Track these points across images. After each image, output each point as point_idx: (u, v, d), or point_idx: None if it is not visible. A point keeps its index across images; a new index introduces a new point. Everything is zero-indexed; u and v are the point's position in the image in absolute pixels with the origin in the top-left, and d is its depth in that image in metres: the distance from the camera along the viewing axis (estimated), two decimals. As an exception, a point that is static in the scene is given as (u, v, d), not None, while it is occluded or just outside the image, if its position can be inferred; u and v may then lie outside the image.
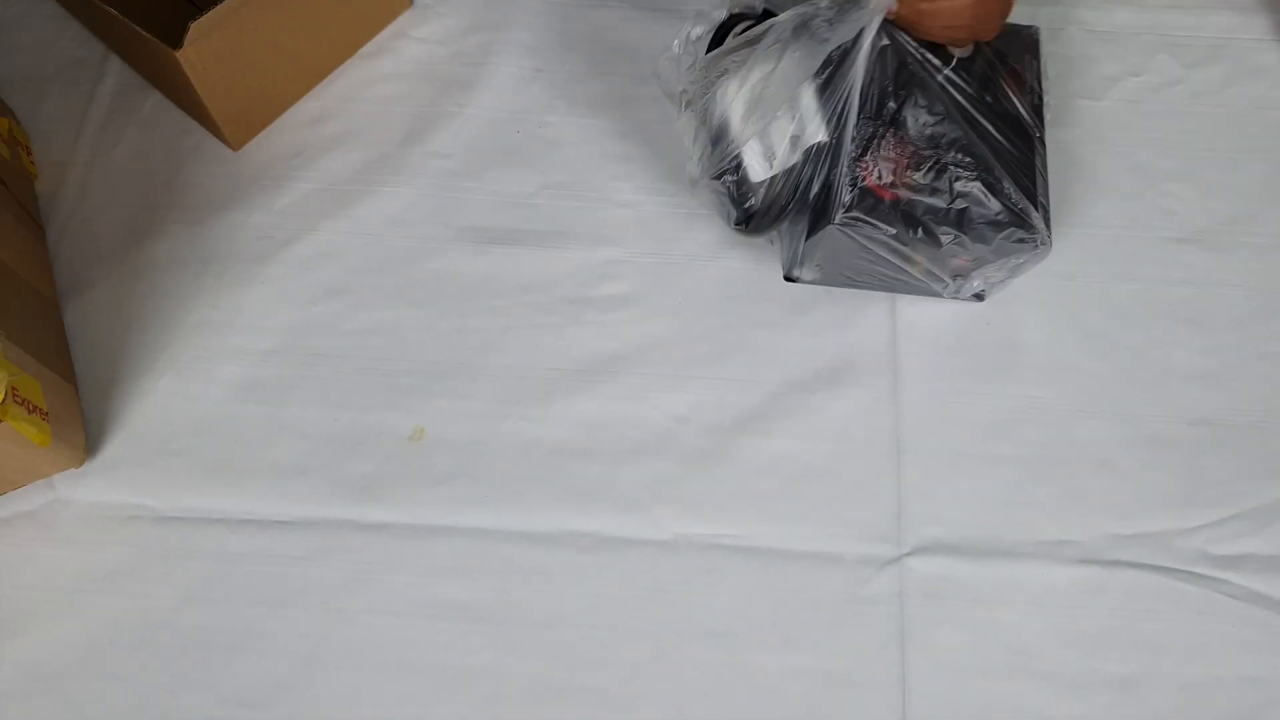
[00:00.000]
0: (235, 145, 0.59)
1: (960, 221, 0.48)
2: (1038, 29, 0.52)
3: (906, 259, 0.50)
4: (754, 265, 0.56)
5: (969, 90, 0.49)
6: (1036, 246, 0.48)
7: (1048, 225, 0.48)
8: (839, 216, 0.48)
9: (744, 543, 0.50)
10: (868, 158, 0.48)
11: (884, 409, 0.53)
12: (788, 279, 0.55)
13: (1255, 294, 0.55)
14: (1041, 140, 0.50)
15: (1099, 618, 0.49)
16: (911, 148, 0.48)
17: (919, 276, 0.51)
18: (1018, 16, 0.50)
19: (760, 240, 0.56)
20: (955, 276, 0.51)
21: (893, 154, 0.48)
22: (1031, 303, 0.55)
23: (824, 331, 0.55)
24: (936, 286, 0.52)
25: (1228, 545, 0.50)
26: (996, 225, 0.48)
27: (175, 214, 0.58)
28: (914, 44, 0.48)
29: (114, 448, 0.52)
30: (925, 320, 0.55)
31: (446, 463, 0.52)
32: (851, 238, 0.49)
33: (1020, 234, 0.48)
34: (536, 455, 0.52)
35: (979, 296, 0.53)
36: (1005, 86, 0.50)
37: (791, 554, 0.50)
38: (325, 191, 0.58)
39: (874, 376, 0.54)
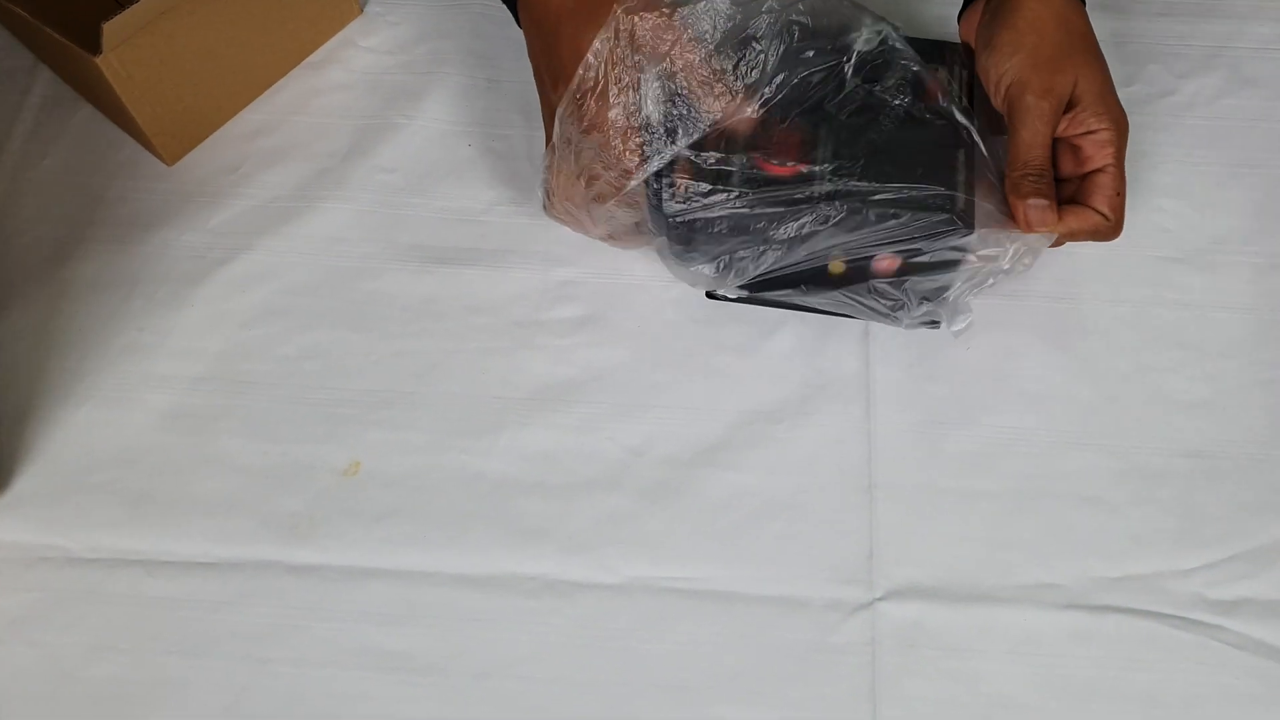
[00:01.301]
0: (169, 160, 0.56)
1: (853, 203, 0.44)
2: (960, 45, 0.50)
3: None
4: (718, 286, 0.53)
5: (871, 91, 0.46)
6: (950, 228, 0.44)
7: (965, 209, 0.44)
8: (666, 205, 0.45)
9: (702, 586, 0.47)
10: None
11: (855, 440, 0.49)
12: (709, 296, 0.51)
13: (1252, 317, 0.52)
14: (970, 140, 0.46)
15: (1086, 668, 0.45)
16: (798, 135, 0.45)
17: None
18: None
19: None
20: (890, 294, 0.47)
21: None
22: (1014, 327, 0.52)
23: (792, 356, 0.52)
24: (869, 301, 0.48)
25: (1226, 589, 0.46)
26: (904, 205, 0.44)
27: (104, 231, 0.55)
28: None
29: (25, 483, 0.49)
30: (901, 346, 0.51)
31: (383, 499, 0.48)
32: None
33: (931, 217, 0.44)
34: (480, 491, 0.49)
35: (932, 323, 0.49)
36: (925, 91, 0.46)
37: (754, 598, 0.46)
38: (263, 208, 0.55)
39: (845, 405, 0.50)
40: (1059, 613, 0.46)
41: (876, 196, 0.44)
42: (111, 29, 0.47)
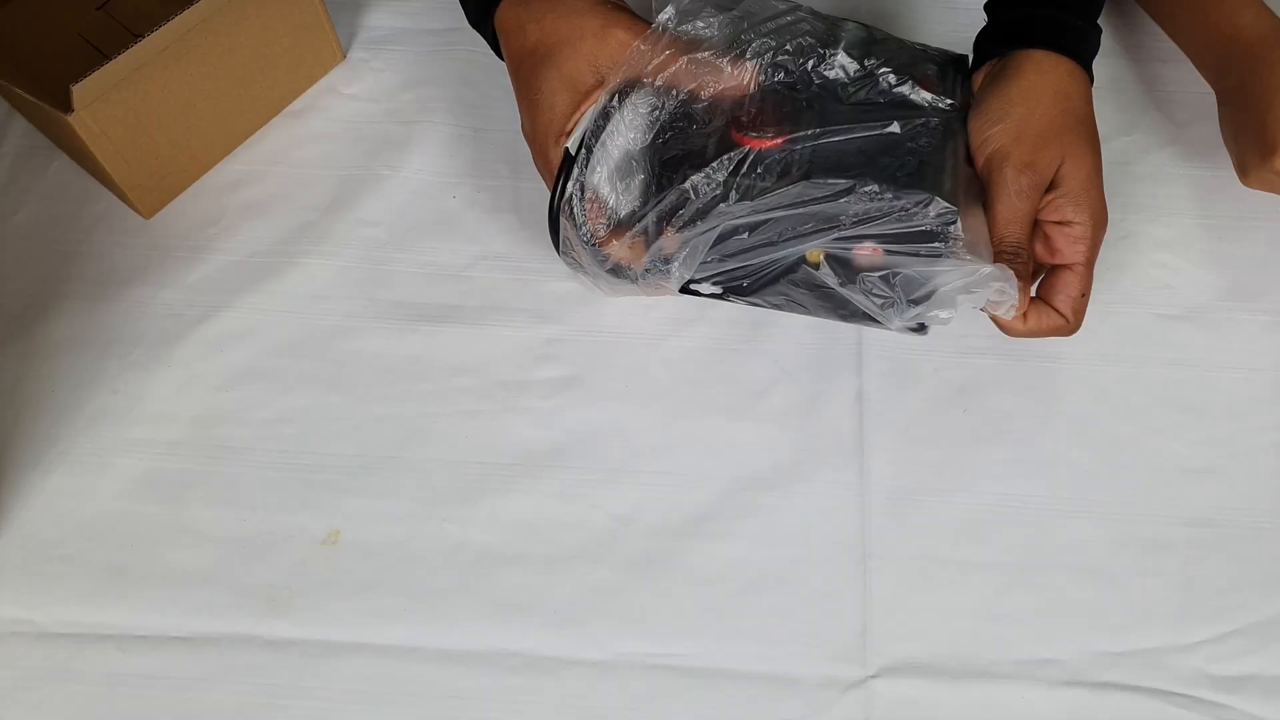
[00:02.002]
0: (146, 213, 0.54)
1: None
2: (966, 57, 0.49)
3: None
4: (710, 344, 0.52)
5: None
6: (927, 206, 0.41)
7: (950, 194, 0.42)
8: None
9: (691, 663, 0.45)
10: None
11: (849, 508, 0.48)
12: (683, 290, 0.48)
13: (1257, 377, 0.51)
14: (959, 132, 0.45)
15: (1088, 748, 0.44)
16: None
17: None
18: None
19: (718, 316, 0.52)
20: (878, 290, 0.44)
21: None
22: (1011, 388, 0.51)
23: (784, 418, 0.50)
24: (847, 292, 0.45)
25: (1230, 665, 0.45)
26: (886, 179, 0.42)
27: (78, 288, 0.53)
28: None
29: (-6, 554, 0.48)
30: (896, 408, 0.50)
31: (363, 570, 0.47)
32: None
33: (913, 195, 0.41)
34: (462, 562, 0.47)
35: (920, 328, 0.45)
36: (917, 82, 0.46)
37: (744, 675, 0.45)
38: (243, 264, 0.54)
39: (839, 471, 0.49)
40: (1060, 690, 0.45)
41: (856, 171, 0.42)
42: (81, 90, 0.46)
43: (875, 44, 0.47)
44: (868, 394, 0.50)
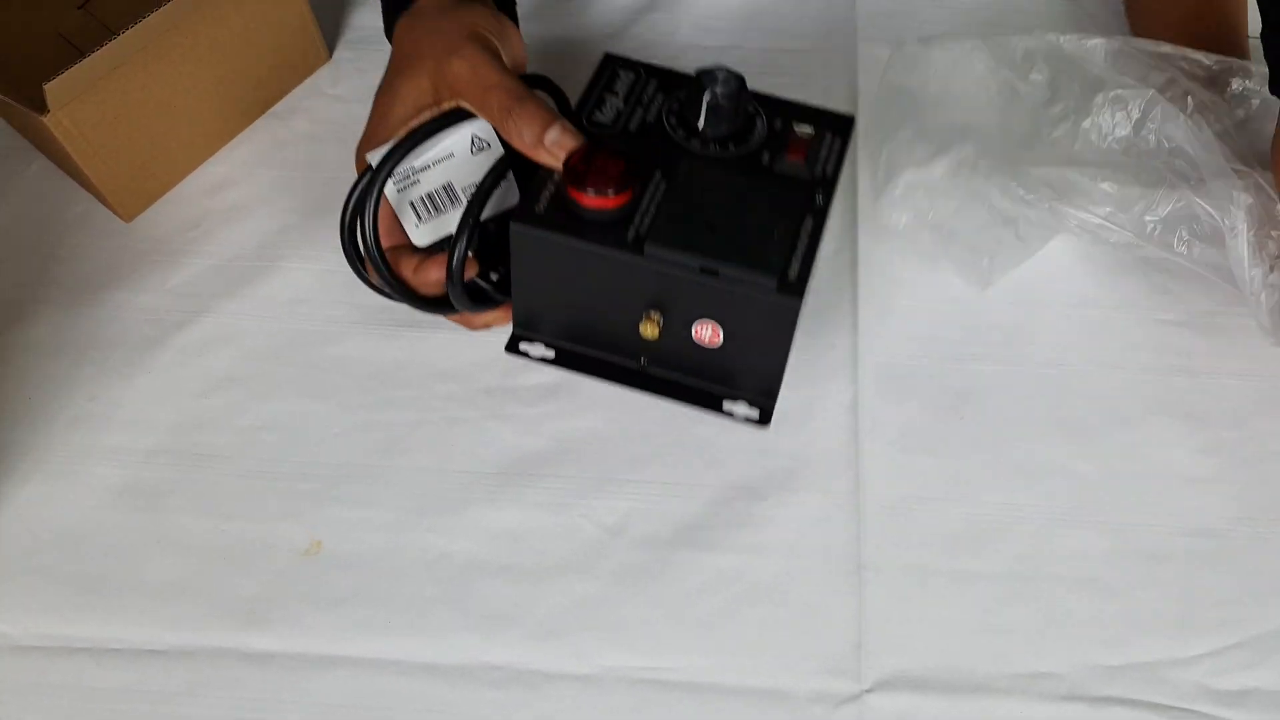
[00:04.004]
0: (126, 216, 0.53)
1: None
2: (854, 117, 0.46)
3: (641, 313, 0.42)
4: (699, 349, 0.51)
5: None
6: (772, 298, 0.39)
7: (797, 280, 0.40)
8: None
9: (679, 676, 0.44)
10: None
11: (843, 518, 0.47)
12: (508, 349, 0.46)
13: (1259, 385, 0.50)
14: (813, 209, 0.42)
15: (1086, 764, 0.43)
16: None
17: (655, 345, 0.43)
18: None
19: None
20: (712, 367, 0.43)
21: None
22: (1009, 395, 0.50)
23: (777, 425, 0.48)
24: (687, 379, 0.44)
25: (1231, 678, 0.44)
26: (727, 259, 0.40)
27: (55, 292, 0.52)
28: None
29: (-34, 565, 0.47)
30: (891, 416, 0.49)
31: (344, 581, 0.46)
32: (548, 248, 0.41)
33: (756, 279, 0.39)
34: (446, 573, 0.46)
35: (761, 417, 0.44)
36: (786, 147, 0.44)
37: (734, 690, 0.44)
38: (223, 268, 0.53)
39: (833, 480, 0.48)
40: (1058, 705, 0.43)
41: (698, 245, 0.40)
42: (55, 89, 0.45)
43: (743, 94, 0.44)
44: (863, 401, 0.49)
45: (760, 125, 0.44)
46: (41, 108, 0.46)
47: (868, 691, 0.44)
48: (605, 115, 0.44)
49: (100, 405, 0.49)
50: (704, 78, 0.43)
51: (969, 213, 0.50)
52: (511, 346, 0.46)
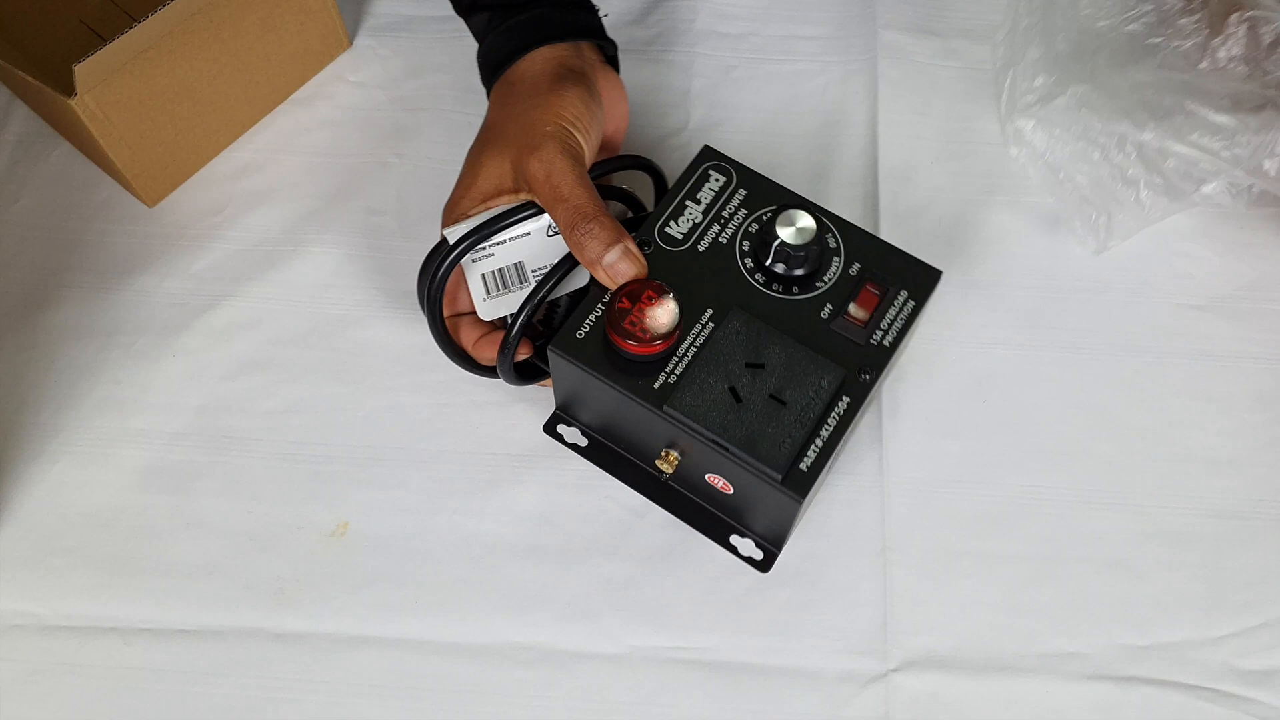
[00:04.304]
0: (149, 201, 0.53)
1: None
2: (939, 274, 0.43)
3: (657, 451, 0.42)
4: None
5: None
6: (778, 489, 0.39)
7: (808, 472, 0.39)
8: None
9: (707, 656, 0.44)
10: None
11: (869, 500, 0.47)
12: (546, 430, 0.47)
13: (1281, 367, 0.50)
14: (854, 387, 0.40)
15: (1113, 743, 0.43)
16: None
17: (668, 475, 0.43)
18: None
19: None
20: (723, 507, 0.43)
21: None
22: (1032, 379, 0.50)
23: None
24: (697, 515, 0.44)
25: (1257, 658, 0.44)
26: (738, 442, 0.39)
27: (80, 277, 0.52)
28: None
29: (-5, 546, 0.47)
30: (915, 399, 0.49)
31: (372, 562, 0.46)
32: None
33: (763, 468, 0.39)
34: (474, 554, 0.46)
35: (764, 561, 0.44)
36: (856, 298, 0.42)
37: (762, 669, 0.44)
38: (248, 252, 0.53)
39: (857, 463, 0.48)
40: (1084, 684, 0.44)
41: (713, 419, 0.39)
42: (84, 71, 0.45)
43: (830, 235, 0.42)
44: (886, 384, 0.50)
45: (834, 267, 0.42)
46: (69, 91, 0.46)
47: (894, 671, 0.44)
48: (679, 228, 0.43)
49: (127, 389, 0.50)
50: (781, 217, 0.42)
51: (1086, 162, 0.49)
52: (549, 428, 0.47)
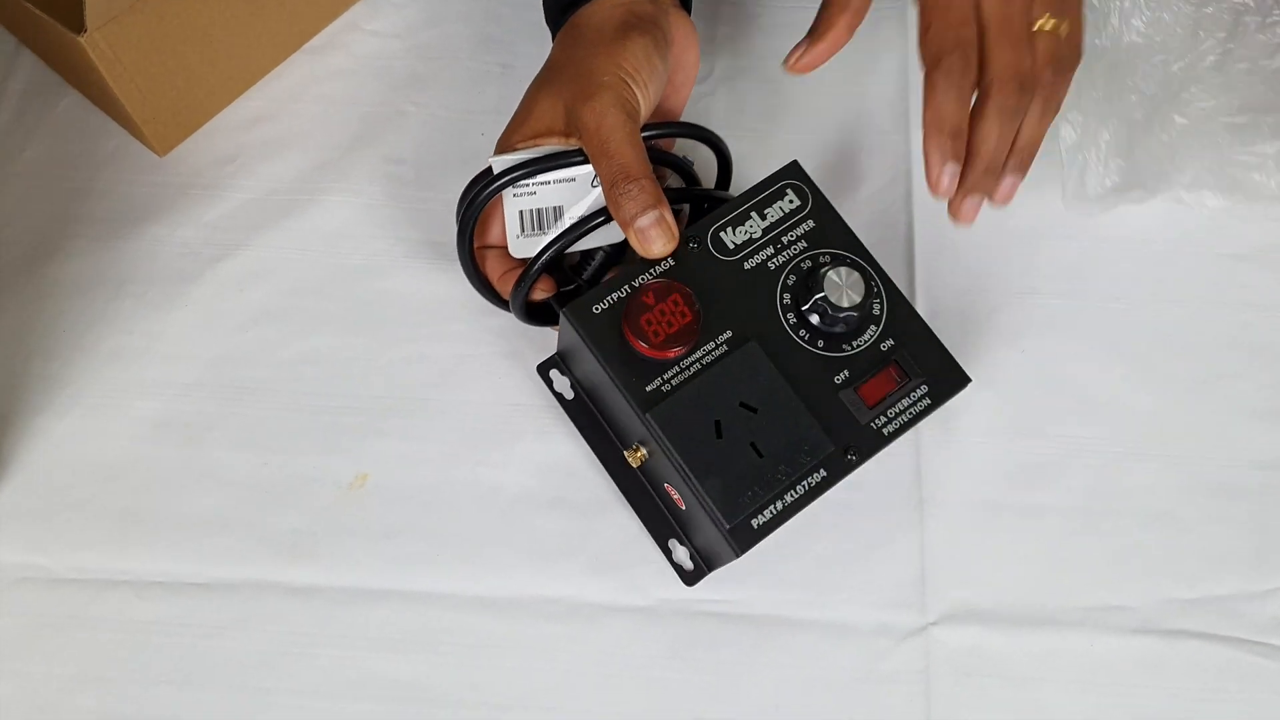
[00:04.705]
0: (161, 150, 0.52)
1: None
2: (969, 381, 0.41)
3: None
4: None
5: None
6: (725, 539, 0.38)
7: (758, 531, 0.38)
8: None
9: (739, 609, 0.43)
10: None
11: (904, 452, 0.46)
12: (538, 369, 0.46)
13: (1326, 317, 0.49)
14: (836, 464, 0.39)
15: (1159, 698, 0.42)
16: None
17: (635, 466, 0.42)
18: None
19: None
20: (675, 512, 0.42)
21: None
22: (1070, 331, 0.48)
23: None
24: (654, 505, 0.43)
25: (1308, 612, 0.43)
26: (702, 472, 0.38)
27: (90, 227, 0.51)
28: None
29: (4, 498, 0.45)
30: (951, 349, 0.46)
31: (391, 515, 0.45)
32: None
33: (716, 508, 0.38)
34: (497, 507, 0.45)
35: (691, 573, 0.43)
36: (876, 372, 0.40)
37: (796, 623, 0.43)
38: (261, 202, 0.51)
39: (890, 413, 0.47)
40: (1129, 638, 0.42)
41: (689, 446, 0.38)
42: (94, 6, 0.43)
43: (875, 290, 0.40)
44: (919, 335, 0.48)
45: (868, 336, 0.40)
46: (79, 27, 0.45)
47: (933, 624, 0.43)
48: (733, 238, 0.41)
49: (138, 339, 0.48)
50: (835, 271, 0.40)
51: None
52: (543, 369, 0.46)
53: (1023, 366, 0.48)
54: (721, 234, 0.42)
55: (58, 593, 0.43)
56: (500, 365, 0.48)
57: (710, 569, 0.43)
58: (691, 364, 0.39)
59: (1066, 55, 0.41)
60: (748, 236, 0.42)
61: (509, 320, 0.49)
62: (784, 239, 0.42)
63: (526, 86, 0.50)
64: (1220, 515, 0.45)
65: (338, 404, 0.47)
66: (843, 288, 0.40)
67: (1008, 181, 0.42)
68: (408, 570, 0.44)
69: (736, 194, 0.43)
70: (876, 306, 0.41)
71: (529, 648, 0.42)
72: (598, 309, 0.40)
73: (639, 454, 0.41)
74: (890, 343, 0.41)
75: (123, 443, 0.46)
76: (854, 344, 0.40)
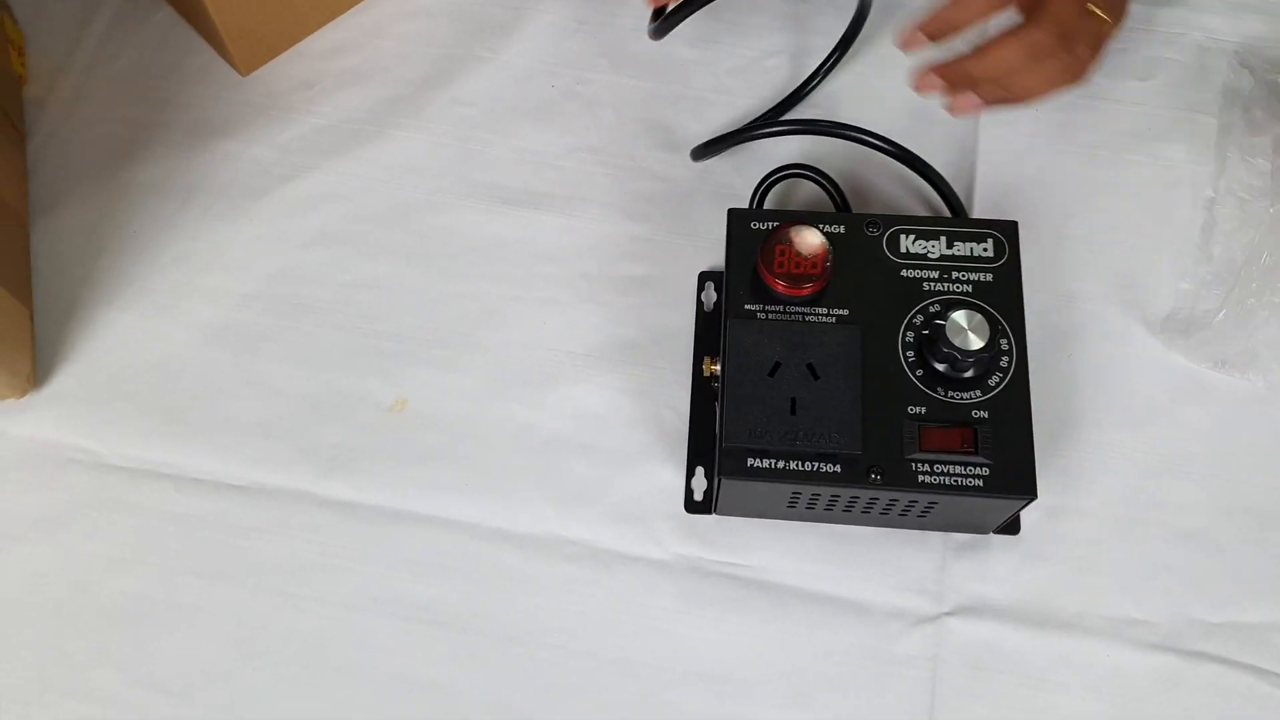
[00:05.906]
0: (244, 69, 0.54)
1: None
2: (1035, 498, 0.39)
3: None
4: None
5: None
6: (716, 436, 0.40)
7: (736, 465, 0.38)
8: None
9: (757, 575, 0.43)
10: None
11: (936, 439, 0.45)
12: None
13: (1393, 355, 0.47)
14: (850, 481, 0.38)
15: (1172, 715, 0.41)
16: None
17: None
18: None
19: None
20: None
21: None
22: (1120, 337, 0.47)
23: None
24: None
25: (1339, 649, 0.42)
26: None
27: (169, 136, 0.53)
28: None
29: (62, 381, 0.47)
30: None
31: (427, 441, 0.46)
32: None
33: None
34: (529, 445, 0.46)
35: (693, 503, 0.44)
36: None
37: (812, 595, 0.43)
38: (334, 129, 0.53)
39: (928, 400, 0.46)
40: (1148, 653, 0.42)
41: (741, 396, 0.39)
42: (201, -83, 0.45)
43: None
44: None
45: (968, 395, 0.39)
46: (183, -60, 0.46)
47: (948, 614, 0.42)
48: (909, 245, 0.41)
49: (203, 246, 0.50)
50: (977, 318, 0.39)
51: None
52: (702, 277, 0.49)
53: (1068, 370, 0.47)
54: (902, 235, 0.42)
55: (103, 477, 0.45)
56: (545, 311, 0.48)
57: (711, 510, 0.43)
58: (796, 313, 0.40)
59: (1099, 46, 0.41)
60: (924, 252, 0.42)
61: (560, 269, 0.49)
62: (955, 274, 0.41)
63: (601, 43, 0.50)
64: (1256, 539, 0.43)
65: (387, 329, 0.48)
66: (967, 331, 0.39)
67: (972, 99, 0.41)
68: (436, 496, 0.45)
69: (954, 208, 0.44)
70: (995, 379, 0.40)
71: (543, 585, 0.43)
72: (755, 225, 0.42)
73: (714, 366, 0.42)
74: (984, 415, 0.39)
75: (179, 343, 0.48)
76: (949, 393, 0.39)
